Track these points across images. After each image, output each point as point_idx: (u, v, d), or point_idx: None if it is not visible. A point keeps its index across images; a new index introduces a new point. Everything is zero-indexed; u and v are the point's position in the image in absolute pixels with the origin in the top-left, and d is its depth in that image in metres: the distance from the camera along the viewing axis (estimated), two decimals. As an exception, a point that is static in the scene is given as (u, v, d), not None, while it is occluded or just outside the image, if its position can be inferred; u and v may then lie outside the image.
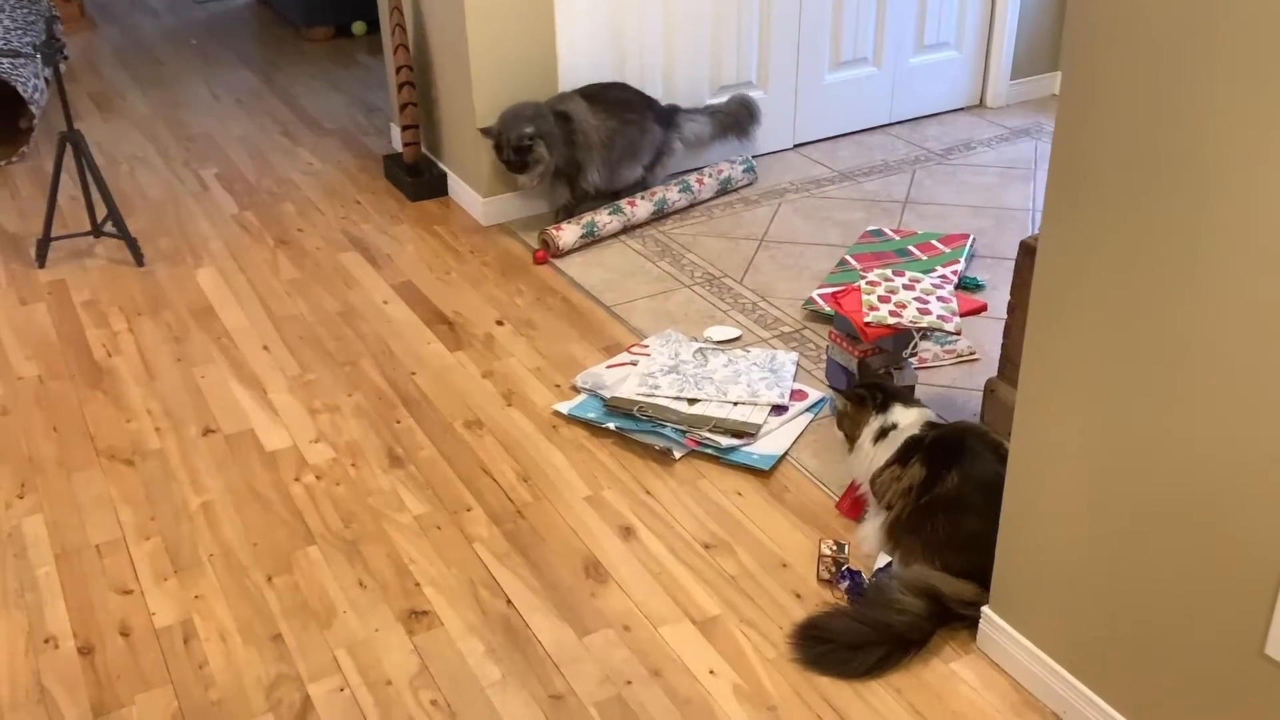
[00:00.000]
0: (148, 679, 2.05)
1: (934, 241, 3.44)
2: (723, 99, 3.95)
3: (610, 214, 3.55)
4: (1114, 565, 1.76)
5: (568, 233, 3.46)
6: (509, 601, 2.21)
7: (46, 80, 4.54)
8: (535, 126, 3.40)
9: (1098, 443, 1.72)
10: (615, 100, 3.59)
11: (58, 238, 3.53)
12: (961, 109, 4.51)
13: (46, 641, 2.14)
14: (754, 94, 4.01)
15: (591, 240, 3.53)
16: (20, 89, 4.19)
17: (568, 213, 3.60)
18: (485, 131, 3.44)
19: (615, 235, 3.58)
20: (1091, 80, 1.57)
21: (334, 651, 2.10)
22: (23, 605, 2.22)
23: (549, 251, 3.47)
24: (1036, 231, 3.07)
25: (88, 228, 3.55)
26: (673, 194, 3.69)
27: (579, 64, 3.63)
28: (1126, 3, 1.49)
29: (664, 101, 3.77)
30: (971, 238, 3.45)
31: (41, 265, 3.49)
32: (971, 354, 2.92)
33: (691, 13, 3.77)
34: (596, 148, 3.53)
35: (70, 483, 2.56)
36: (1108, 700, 1.84)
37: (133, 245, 3.49)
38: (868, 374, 2.46)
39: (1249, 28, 1.36)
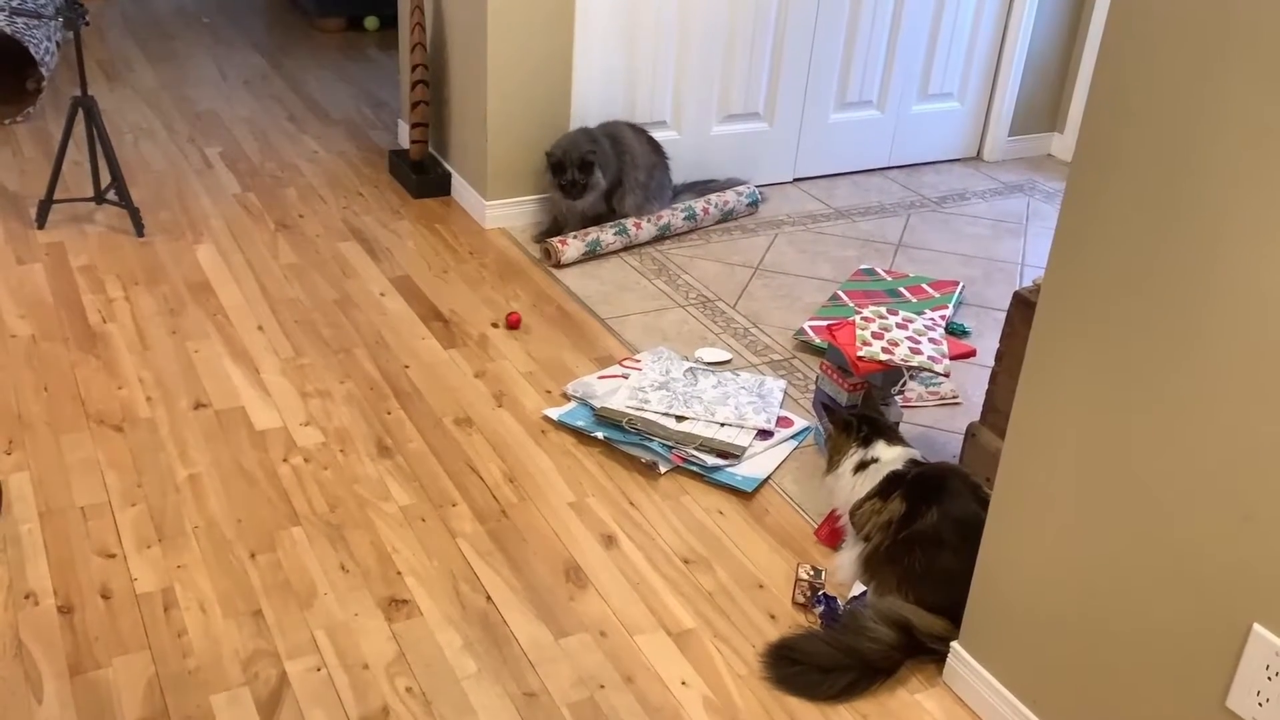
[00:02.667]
0: (126, 642, 2.06)
1: (924, 285, 3.51)
2: (729, 128, 4.03)
3: (615, 233, 3.60)
4: (1085, 610, 1.82)
5: (571, 248, 3.51)
6: (489, 598, 2.24)
7: (58, 44, 4.55)
8: (595, 150, 3.50)
9: (1081, 492, 1.78)
10: (651, 141, 3.73)
11: (59, 201, 3.53)
12: (958, 159, 4.60)
13: (26, 598, 2.15)
14: (759, 126, 4.09)
15: (593, 256, 3.58)
16: (31, 49, 4.20)
17: (595, 221, 3.65)
18: (549, 155, 3.51)
19: (615, 252, 3.64)
20: (1108, 142, 1.64)
21: (313, 632, 2.12)
22: (4, 560, 2.23)
23: (549, 261, 3.52)
24: (1025, 285, 3.15)
25: (90, 194, 3.55)
26: (677, 219, 3.75)
27: (593, 78, 3.69)
28: (1151, 69, 1.56)
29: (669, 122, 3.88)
30: (961, 285, 3.53)
31: (41, 226, 3.50)
32: (954, 397, 2.99)
33: (707, 37, 3.84)
34: (643, 169, 3.64)
35: (58, 444, 2.57)
36: (1067, 741, 1.89)
37: (134, 215, 3.50)
38: (870, 404, 2.50)
39: (1265, 103, 1.43)
